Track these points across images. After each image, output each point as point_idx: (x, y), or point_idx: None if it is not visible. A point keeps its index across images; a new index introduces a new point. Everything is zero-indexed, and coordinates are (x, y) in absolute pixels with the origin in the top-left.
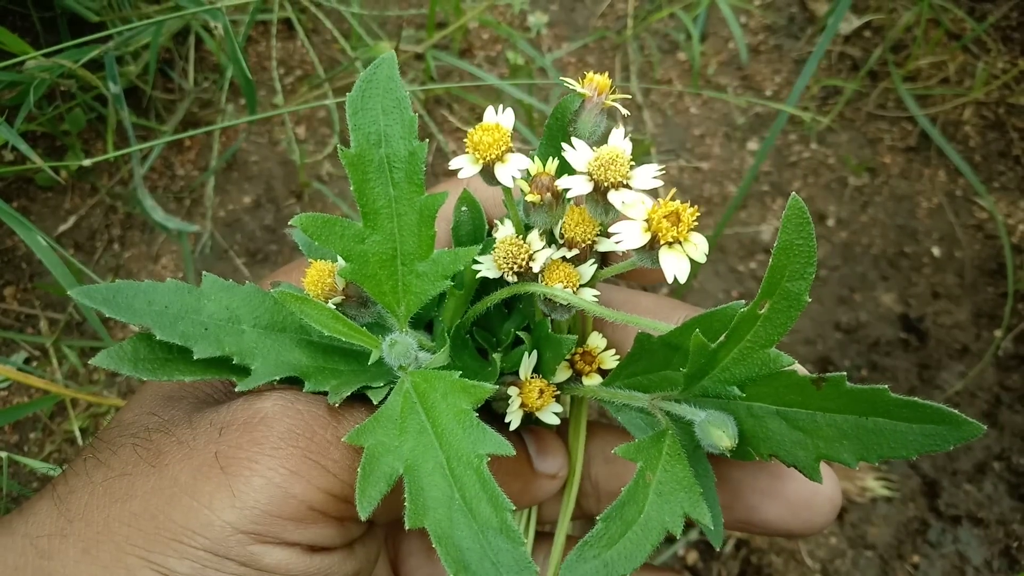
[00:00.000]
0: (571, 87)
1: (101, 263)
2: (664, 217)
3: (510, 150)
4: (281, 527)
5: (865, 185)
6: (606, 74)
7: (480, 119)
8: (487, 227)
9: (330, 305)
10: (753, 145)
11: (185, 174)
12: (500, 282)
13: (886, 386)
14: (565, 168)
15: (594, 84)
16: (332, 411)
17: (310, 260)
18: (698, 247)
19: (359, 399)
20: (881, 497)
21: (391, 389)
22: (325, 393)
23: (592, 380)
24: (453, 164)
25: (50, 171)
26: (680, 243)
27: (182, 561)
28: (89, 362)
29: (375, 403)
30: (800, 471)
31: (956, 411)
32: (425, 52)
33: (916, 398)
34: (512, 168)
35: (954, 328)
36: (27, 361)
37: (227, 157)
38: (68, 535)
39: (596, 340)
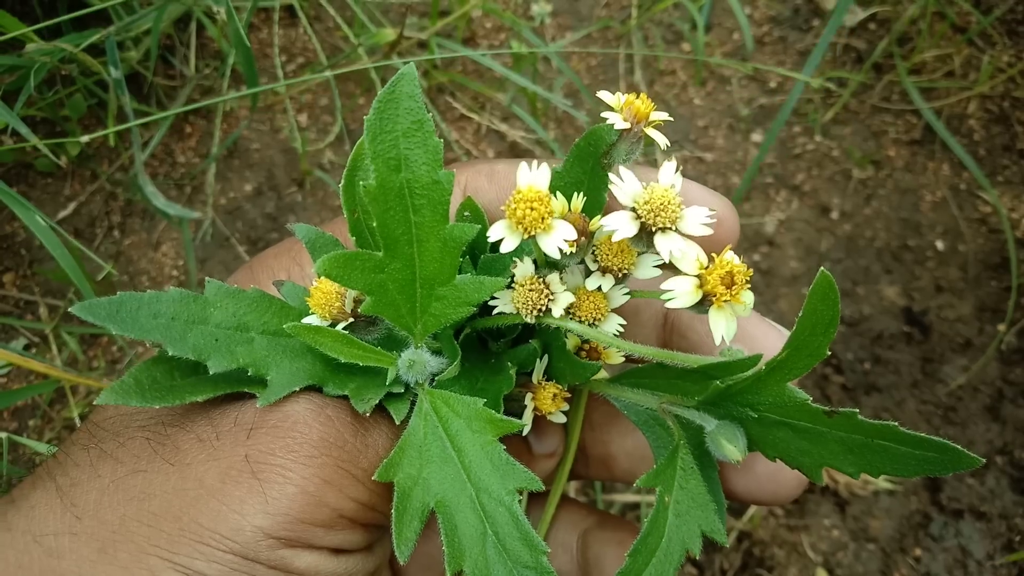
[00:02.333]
0: (607, 116)
1: (101, 250)
2: (720, 278)
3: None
4: (312, 533)
5: (869, 178)
6: (644, 96)
7: (483, 107)
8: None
9: (341, 328)
10: (757, 137)
11: (186, 161)
12: None
13: (895, 423)
14: (593, 204)
15: (633, 111)
16: (357, 416)
17: (319, 274)
18: (747, 305)
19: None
20: (883, 490)
21: (412, 401)
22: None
23: (599, 376)
24: (492, 235)
25: (50, 155)
26: (730, 304)
27: (209, 564)
28: (95, 402)
29: (397, 422)
30: (803, 473)
31: (959, 447)
32: (428, 39)
33: (924, 435)
34: (558, 239)
35: (957, 322)
36: (27, 347)
37: (228, 144)
38: (79, 533)
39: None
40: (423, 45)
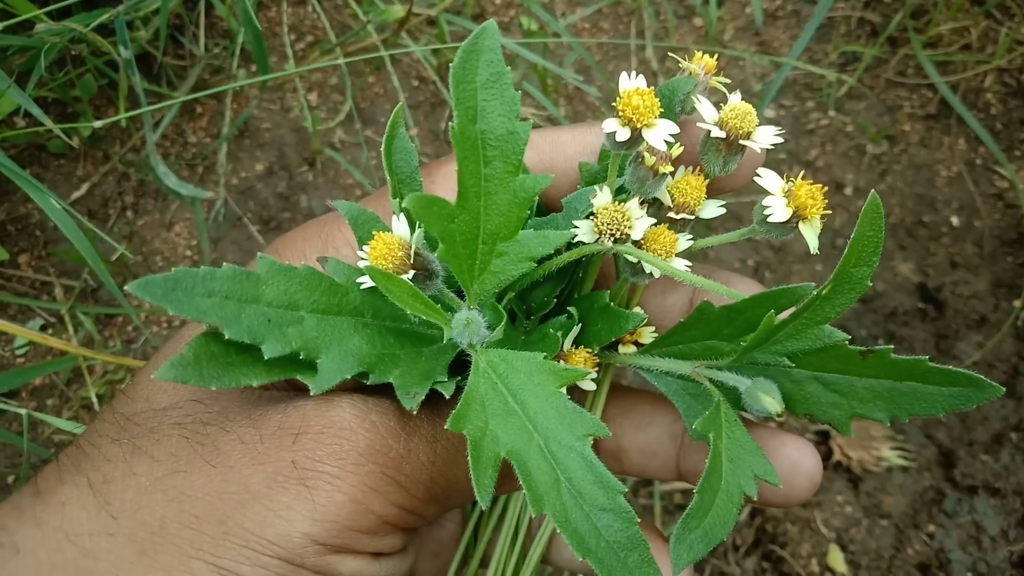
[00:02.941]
0: (684, 66)
1: (115, 230)
2: (807, 194)
3: (661, 115)
4: (357, 539)
5: (884, 153)
6: (714, 56)
7: None
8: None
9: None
10: (770, 112)
11: (197, 141)
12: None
13: (926, 357)
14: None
15: (703, 64)
16: (401, 421)
17: (408, 208)
18: (819, 226)
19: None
20: (897, 467)
21: (459, 381)
22: (383, 388)
23: (628, 349)
24: (606, 127)
25: (63, 136)
26: (810, 219)
27: (255, 569)
28: (152, 375)
29: (447, 396)
30: (834, 427)
31: (981, 376)
32: (438, 16)
33: (951, 367)
34: (663, 132)
35: (972, 298)
36: (43, 328)
37: (239, 124)
38: (116, 534)
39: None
40: (432, 22)
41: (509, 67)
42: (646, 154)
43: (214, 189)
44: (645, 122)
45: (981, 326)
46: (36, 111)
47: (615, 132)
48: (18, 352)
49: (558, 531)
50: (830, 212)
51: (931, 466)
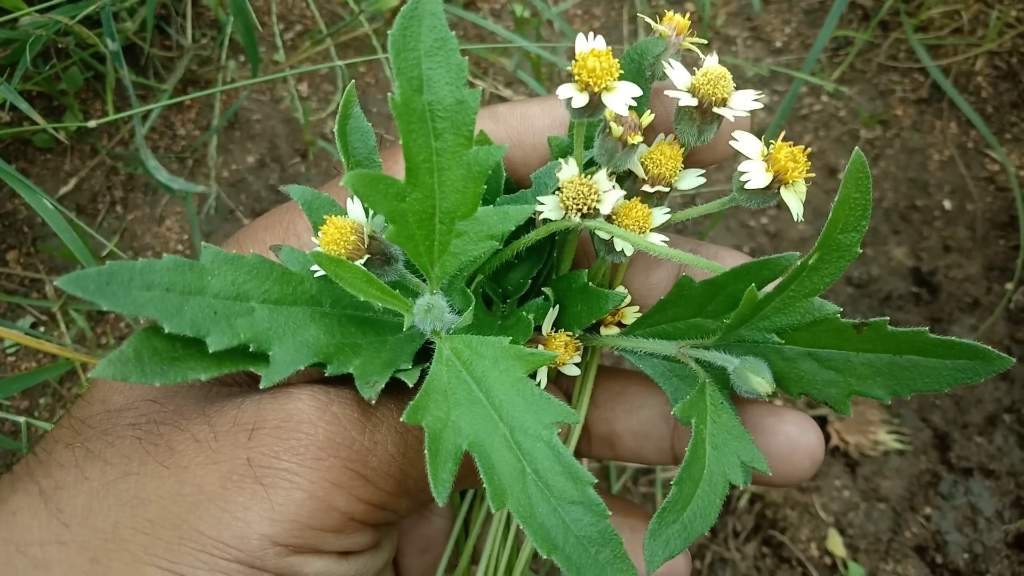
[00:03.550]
0: (652, 25)
1: (104, 226)
2: (787, 157)
3: (621, 77)
4: (320, 538)
5: (877, 138)
6: (686, 15)
7: (486, 73)
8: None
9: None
10: (764, 98)
11: (186, 134)
12: (527, 227)
13: (926, 328)
14: (640, 112)
15: (674, 24)
16: (364, 411)
17: (347, 185)
18: (804, 189)
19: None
20: (893, 450)
21: (423, 370)
22: (347, 379)
23: (610, 331)
24: (561, 93)
25: (51, 130)
26: (793, 183)
27: (212, 574)
28: (88, 375)
29: (411, 385)
30: (831, 407)
31: (987, 347)
32: None
33: (954, 338)
34: (624, 95)
35: (965, 281)
36: (33, 326)
37: (229, 116)
38: (68, 542)
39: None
40: None
41: (507, 59)
42: (613, 124)
43: (205, 182)
44: (603, 85)
45: (974, 309)
46: (23, 105)
47: (571, 98)
48: (8, 351)
49: (521, 527)
50: (813, 176)
51: (927, 449)
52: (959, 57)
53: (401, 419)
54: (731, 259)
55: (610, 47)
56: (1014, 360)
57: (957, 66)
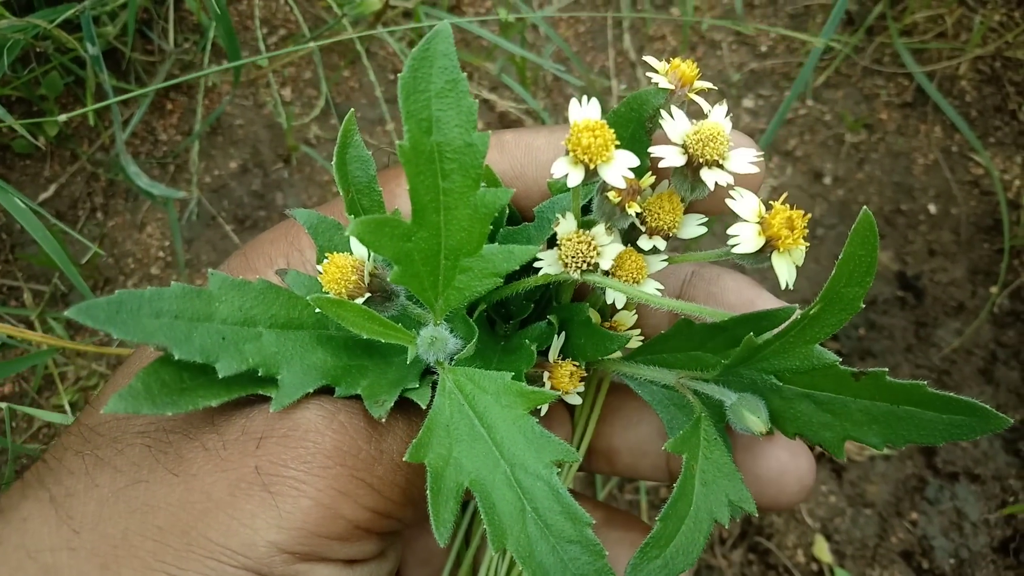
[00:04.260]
0: (655, 78)
1: (84, 232)
2: (783, 223)
3: (617, 147)
4: (327, 546)
5: (862, 142)
6: (692, 63)
7: (471, 77)
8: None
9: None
10: (748, 102)
11: (168, 139)
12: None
13: (925, 382)
14: (637, 169)
15: (678, 75)
16: (371, 421)
17: (327, 247)
18: (803, 253)
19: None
20: (879, 456)
21: (432, 387)
22: (356, 396)
23: (613, 355)
24: (555, 170)
25: (28, 135)
26: (784, 251)
27: None
28: (101, 411)
29: (423, 407)
30: (825, 449)
31: (987, 406)
32: (415, 8)
33: (951, 393)
34: (620, 167)
35: (950, 285)
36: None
37: (211, 121)
38: (78, 549)
39: (626, 317)
40: (408, 14)
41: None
42: (611, 193)
43: (187, 188)
44: (600, 160)
45: (959, 313)
46: (0, 110)
47: (567, 175)
48: None
49: (519, 566)
50: (808, 245)
51: (913, 454)
52: (943, 62)
53: (404, 458)
54: (733, 283)
55: (602, 120)
56: (1011, 421)
57: (941, 70)
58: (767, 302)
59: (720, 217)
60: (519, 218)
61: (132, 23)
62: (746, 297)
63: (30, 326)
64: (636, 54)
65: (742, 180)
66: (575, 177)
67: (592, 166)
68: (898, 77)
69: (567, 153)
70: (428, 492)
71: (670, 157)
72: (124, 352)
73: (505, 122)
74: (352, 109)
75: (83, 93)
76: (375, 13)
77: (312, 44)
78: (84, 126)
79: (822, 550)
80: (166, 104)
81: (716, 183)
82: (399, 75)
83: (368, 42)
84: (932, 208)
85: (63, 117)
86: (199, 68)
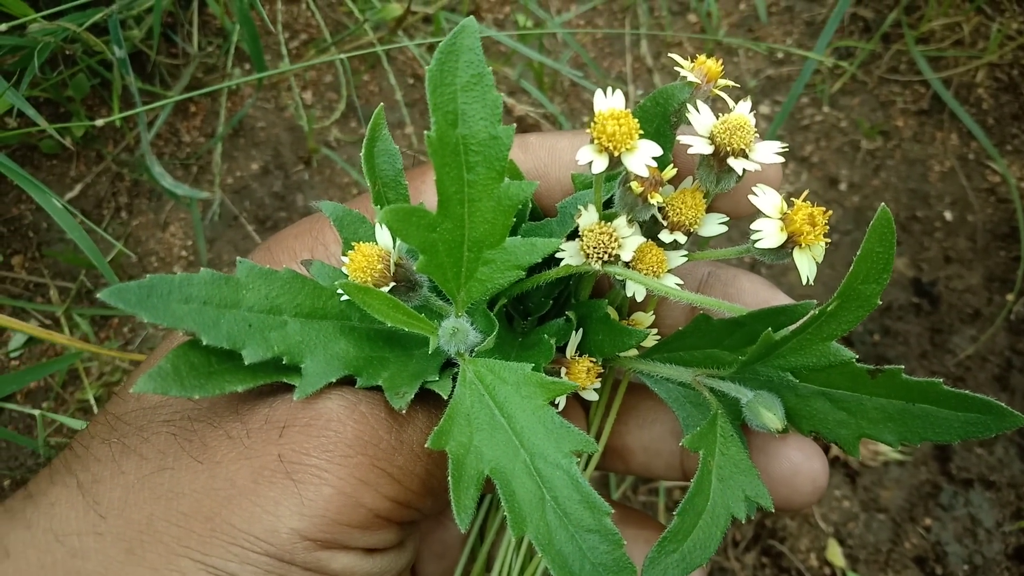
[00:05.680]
0: (682, 73)
1: (109, 231)
2: (804, 219)
3: (641, 137)
4: (348, 534)
5: (878, 149)
6: (718, 60)
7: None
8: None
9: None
10: (765, 108)
11: (191, 140)
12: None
13: (940, 380)
14: (660, 163)
15: (704, 71)
16: (392, 412)
17: (351, 240)
18: (823, 249)
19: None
20: (893, 461)
21: (452, 379)
22: (377, 387)
23: (629, 353)
24: (580, 157)
25: (57, 135)
26: (806, 246)
27: (243, 566)
28: (131, 390)
29: (444, 397)
30: (840, 447)
31: (1002, 404)
32: (435, 14)
33: (968, 392)
34: (644, 156)
35: (966, 292)
36: None
37: (234, 123)
38: (104, 533)
39: (643, 318)
40: (428, 19)
41: (511, 68)
42: (633, 184)
43: (209, 189)
44: (623, 148)
45: (975, 320)
46: (30, 111)
47: (592, 162)
48: (12, 355)
49: (539, 553)
50: (829, 241)
51: (927, 460)
52: (960, 69)
53: (426, 445)
54: (749, 284)
55: (628, 109)
56: None
57: (958, 78)
58: (783, 303)
59: (736, 223)
60: (541, 216)
61: (157, 26)
62: (762, 298)
63: (56, 322)
64: (653, 60)
65: (761, 177)
66: (599, 164)
67: (616, 154)
68: (914, 84)
69: (592, 141)
70: (450, 479)
71: (698, 145)
72: (139, 357)
73: (523, 126)
74: (381, 104)
75: (109, 95)
76: (396, 18)
77: (340, 55)
78: (109, 127)
79: (835, 554)
80: (190, 106)
81: (742, 170)
82: (427, 68)
83: (387, 46)
84: (948, 215)
85: (100, 122)
86: (222, 71)
